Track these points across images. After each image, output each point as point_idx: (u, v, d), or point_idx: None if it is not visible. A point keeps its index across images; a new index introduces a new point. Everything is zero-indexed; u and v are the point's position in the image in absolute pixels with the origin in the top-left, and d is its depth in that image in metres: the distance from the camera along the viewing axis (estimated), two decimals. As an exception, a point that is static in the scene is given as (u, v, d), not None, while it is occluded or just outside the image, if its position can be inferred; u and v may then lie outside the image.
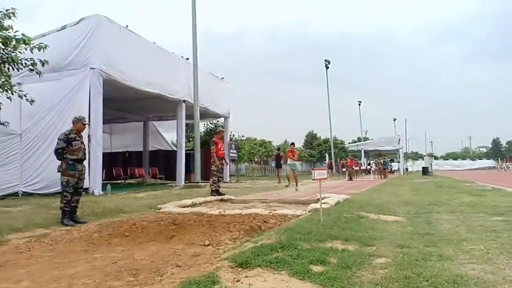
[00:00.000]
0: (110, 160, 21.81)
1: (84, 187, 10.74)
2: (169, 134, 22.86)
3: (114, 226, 5.96)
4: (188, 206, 8.54)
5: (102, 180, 19.30)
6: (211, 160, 10.27)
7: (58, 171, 6.38)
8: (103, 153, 22.27)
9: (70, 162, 6.28)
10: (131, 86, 12.98)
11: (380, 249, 3.64)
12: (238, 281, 2.75)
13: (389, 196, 10.16)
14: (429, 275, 2.69)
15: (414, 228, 4.85)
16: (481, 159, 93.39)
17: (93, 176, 10.90)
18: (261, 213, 6.84)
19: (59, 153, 6.28)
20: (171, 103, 15.42)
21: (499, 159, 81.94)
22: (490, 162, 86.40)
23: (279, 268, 3.07)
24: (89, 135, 11.08)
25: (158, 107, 17.28)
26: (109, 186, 10.81)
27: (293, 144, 16.23)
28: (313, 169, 4.92)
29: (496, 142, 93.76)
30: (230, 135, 22.89)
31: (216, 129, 22.28)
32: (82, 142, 6.56)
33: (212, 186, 10.28)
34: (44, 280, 2.94)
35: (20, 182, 11.50)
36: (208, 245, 4.40)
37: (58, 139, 6.33)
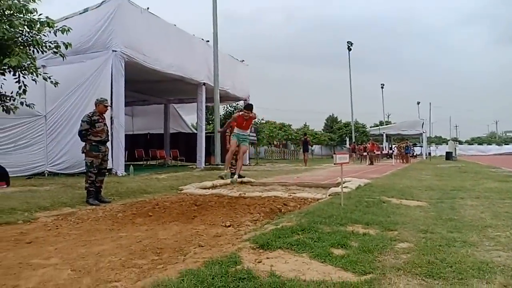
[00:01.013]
0: (132, 141, 22.23)
1: (107, 168, 11.14)
2: (189, 117, 23.04)
3: (137, 206, 6.10)
4: (208, 188, 8.65)
5: (125, 161, 19.85)
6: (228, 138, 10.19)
7: (82, 152, 6.53)
8: (125, 135, 22.86)
9: (93, 143, 6.41)
10: (152, 68, 13.07)
11: (402, 234, 3.60)
12: (260, 262, 2.78)
13: (411, 181, 10.00)
14: (453, 261, 2.65)
15: (437, 213, 4.77)
16: (507, 144, 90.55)
17: (116, 157, 11.12)
18: (281, 196, 6.87)
19: (83, 134, 6.41)
20: (192, 85, 15.47)
21: (527, 144, 79.39)
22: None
23: (300, 250, 3.08)
24: (111, 117, 11.27)
25: (178, 89, 17.36)
26: (131, 167, 11.03)
27: (248, 106, 9.02)
28: (334, 153, 4.87)
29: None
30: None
31: (234, 112, 22.33)
32: (105, 124, 6.67)
33: (231, 169, 10.33)
34: (72, 257, 3.04)
35: (46, 162, 11.85)
36: (229, 226, 4.45)
37: (82, 121, 6.46)
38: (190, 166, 15.52)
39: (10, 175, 9.63)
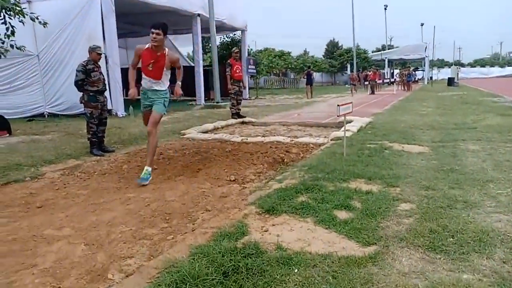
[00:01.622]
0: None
1: (108, 109, 11.04)
2: (185, 48, 22.31)
3: (141, 155, 6.16)
4: (210, 131, 8.67)
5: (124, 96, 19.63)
6: (229, 86, 10.08)
7: (81, 102, 6.41)
8: (121, 69, 22.43)
9: (91, 94, 6.27)
10: (143, 1, 12.33)
11: (405, 191, 3.66)
12: (266, 231, 2.86)
13: (413, 116, 9.98)
14: (454, 229, 2.72)
15: (439, 162, 4.82)
16: (510, 66, 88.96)
17: (115, 97, 10.98)
18: (283, 141, 6.90)
19: (79, 85, 6.24)
20: (186, 17, 14.73)
21: (530, 65, 77.94)
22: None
23: (304, 214, 3.15)
24: (106, 56, 10.90)
25: (172, 21, 16.53)
26: (131, 107, 10.92)
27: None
28: (338, 105, 4.77)
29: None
30: (248, 49, 22.13)
31: (230, 45, 21.56)
32: (100, 73, 6.46)
33: (232, 109, 10.27)
34: (84, 227, 3.13)
35: (44, 103, 11.75)
36: (233, 180, 4.53)
37: (77, 70, 6.25)
38: (190, 103, 15.40)
39: (10, 117, 9.60)
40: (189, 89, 17.72)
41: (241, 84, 10.35)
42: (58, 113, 11.56)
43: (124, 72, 21.95)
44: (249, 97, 19.94)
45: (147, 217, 3.33)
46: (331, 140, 6.67)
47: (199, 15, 14.72)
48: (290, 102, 17.56)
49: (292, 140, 6.91)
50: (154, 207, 3.58)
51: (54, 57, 11.37)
